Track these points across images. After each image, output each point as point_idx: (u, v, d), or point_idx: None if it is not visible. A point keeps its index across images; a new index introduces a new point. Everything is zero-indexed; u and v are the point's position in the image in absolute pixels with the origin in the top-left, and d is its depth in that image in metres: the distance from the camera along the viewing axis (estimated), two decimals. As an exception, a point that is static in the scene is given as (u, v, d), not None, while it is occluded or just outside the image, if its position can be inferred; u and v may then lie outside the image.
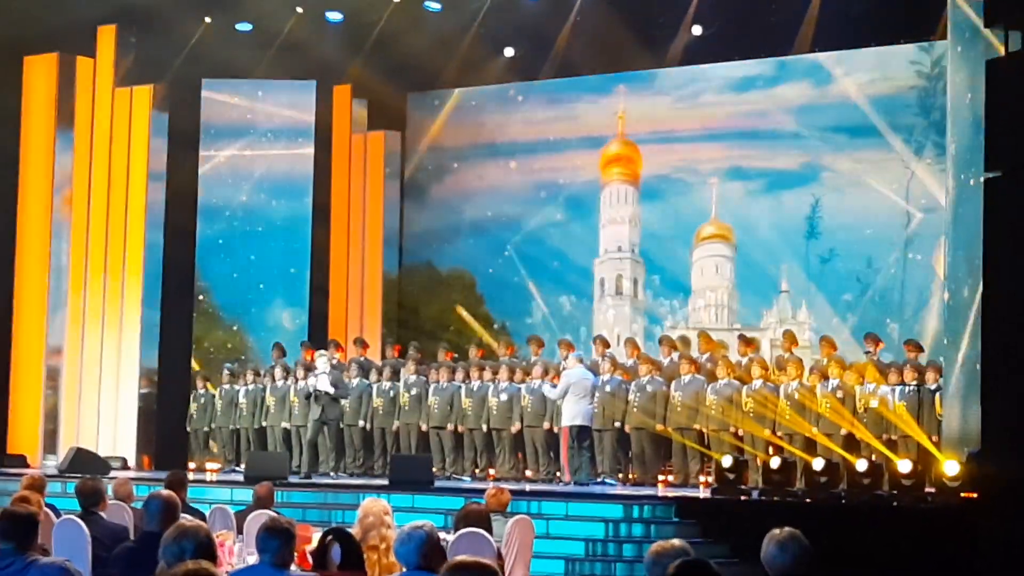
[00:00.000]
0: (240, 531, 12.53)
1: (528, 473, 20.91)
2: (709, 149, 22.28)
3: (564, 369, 20.19)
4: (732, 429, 19.43)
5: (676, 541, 6.83)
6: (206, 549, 6.90)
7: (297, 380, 22.17)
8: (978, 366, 15.84)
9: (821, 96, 21.37)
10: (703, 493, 17.99)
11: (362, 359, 22.70)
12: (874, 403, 18.70)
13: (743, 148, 21.93)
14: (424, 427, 21.53)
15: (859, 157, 20.98)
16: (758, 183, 21.83)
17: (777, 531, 6.78)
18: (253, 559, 9.01)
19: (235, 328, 25.48)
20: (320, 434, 21.17)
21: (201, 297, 25.40)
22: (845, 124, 21.00)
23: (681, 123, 22.56)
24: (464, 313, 24.73)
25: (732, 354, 20.59)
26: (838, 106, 21.13)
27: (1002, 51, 15.15)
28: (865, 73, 21.11)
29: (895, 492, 16.36)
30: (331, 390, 20.55)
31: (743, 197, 21.95)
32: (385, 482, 19.33)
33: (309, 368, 21.70)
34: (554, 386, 20.02)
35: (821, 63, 21.39)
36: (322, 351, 21.47)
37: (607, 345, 21.67)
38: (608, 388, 20.07)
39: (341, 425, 21.71)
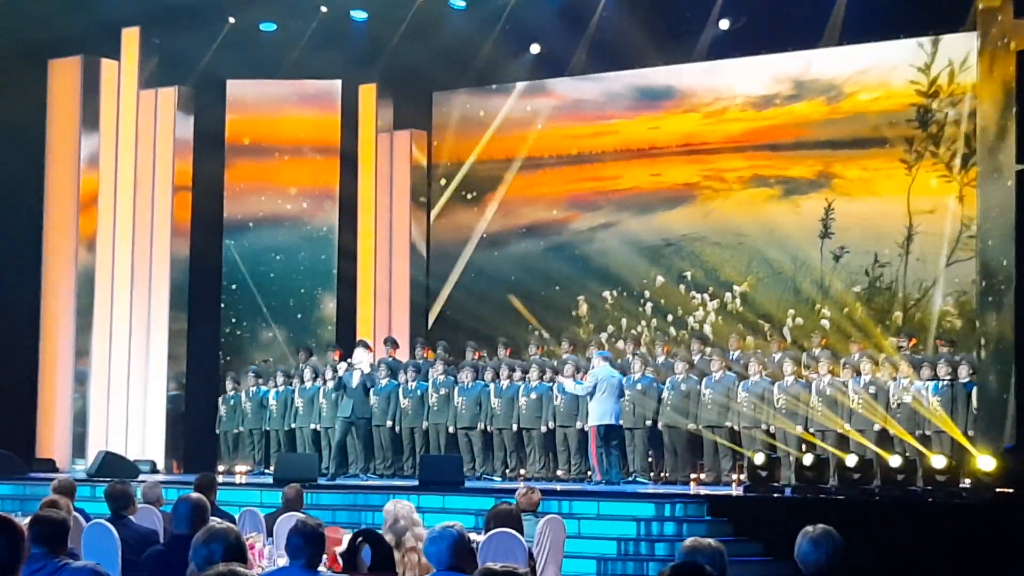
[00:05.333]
0: (270, 533, 12.49)
1: (559, 472, 20.86)
2: (733, 159, 23.47)
3: (592, 369, 20.14)
4: (764, 426, 19.38)
5: (711, 540, 6.76)
6: (236, 551, 6.86)
7: (326, 382, 22.13)
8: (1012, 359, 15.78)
9: (832, 112, 22.63)
10: (735, 491, 17.91)
11: (391, 360, 22.63)
12: (907, 398, 18.60)
13: (764, 159, 23.27)
14: (452, 428, 21.48)
15: (866, 165, 22.25)
16: (777, 189, 23.05)
17: (810, 528, 6.72)
18: (283, 561, 8.94)
19: (262, 330, 25.45)
20: (348, 434, 21.15)
21: (228, 299, 25.40)
22: (854, 137, 22.35)
23: (708, 137, 23.73)
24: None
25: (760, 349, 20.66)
26: (848, 121, 22.47)
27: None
28: (871, 92, 22.30)
29: (929, 488, 16.23)
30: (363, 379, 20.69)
31: (764, 202, 23.12)
32: (415, 483, 19.26)
33: (337, 370, 21.65)
34: (580, 382, 19.99)
35: (833, 83, 22.60)
36: (361, 348, 21.48)
37: (637, 344, 21.76)
38: (639, 387, 20.03)
39: (372, 425, 21.69)
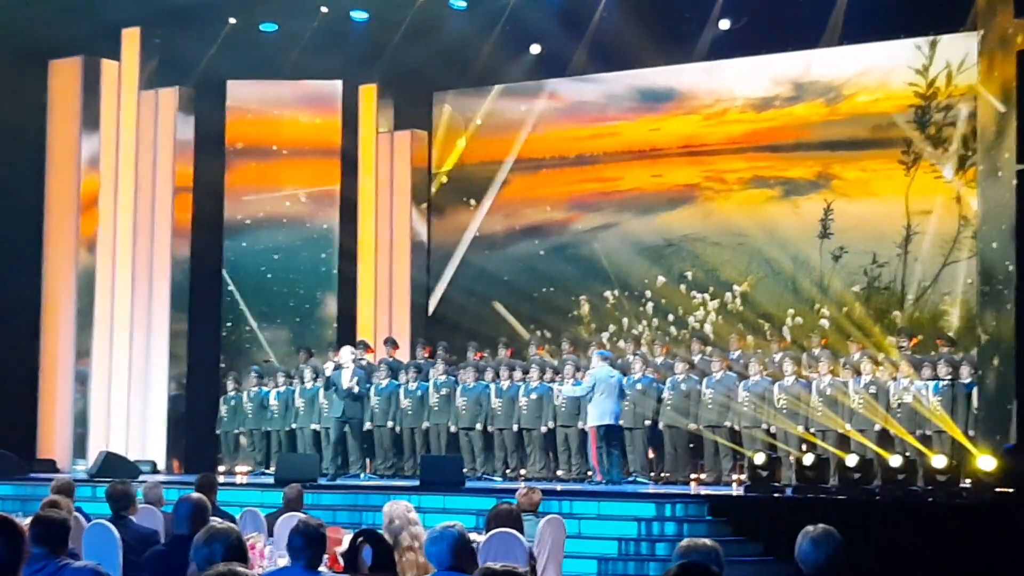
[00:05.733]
0: (270, 533, 12.49)
1: (559, 472, 20.85)
2: (734, 160, 23.66)
3: (591, 369, 20.14)
4: (764, 426, 19.38)
5: (706, 540, 6.76)
6: (237, 551, 6.85)
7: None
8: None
9: (832, 113, 22.84)
10: (736, 491, 17.90)
11: (391, 360, 22.62)
12: (908, 398, 18.59)
13: (764, 160, 23.48)
14: (453, 428, 21.48)
15: (865, 166, 22.44)
16: (777, 190, 23.24)
17: (811, 528, 6.71)
18: (284, 561, 8.94)
19: (263, 330, 25.45)
20: (345, 434, 21.13)
21: (229, 299, 25.39)
22: (853, 138, 22.55)
23: (709, 138, 23.92)
24: (501, 308, 24.86)
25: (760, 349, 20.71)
26: (847, 122, 22.67)
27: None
28: (870, 94, 22.49)
29: (930, 488, 16.24)
30: (351, 386, 20.59)
31: (764, 203, 23.30)
32: (416, 483, 19.26)
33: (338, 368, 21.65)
34: (579, 383, 19.99)
35: (832, 85, 22.81)
36: (348, 346, 21.45)
37: (638, 344, 21.79)
38: (639, 387, 20.03)
39: (367, 426, 21.69)
